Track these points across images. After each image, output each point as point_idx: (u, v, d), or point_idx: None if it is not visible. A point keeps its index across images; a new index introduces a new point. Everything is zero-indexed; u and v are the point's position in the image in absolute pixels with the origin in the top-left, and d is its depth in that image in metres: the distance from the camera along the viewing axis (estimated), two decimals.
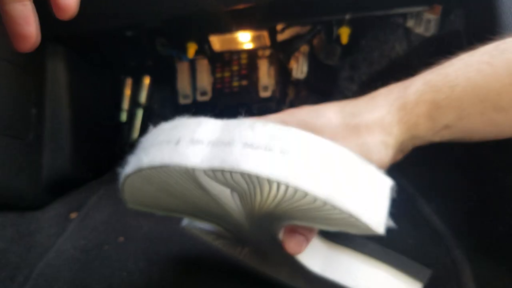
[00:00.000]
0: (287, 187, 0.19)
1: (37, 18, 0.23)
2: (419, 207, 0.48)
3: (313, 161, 0.19)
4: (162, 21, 0.55)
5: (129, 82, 0.71)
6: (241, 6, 0.49)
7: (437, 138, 0.26)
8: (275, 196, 0.21)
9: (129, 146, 0.72)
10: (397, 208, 0.51)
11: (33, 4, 0.23)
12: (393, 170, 0.61)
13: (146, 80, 0.72)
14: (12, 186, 0.45)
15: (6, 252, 0.44)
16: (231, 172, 0.20)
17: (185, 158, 0.21)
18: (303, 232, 0.26)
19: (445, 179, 0.48)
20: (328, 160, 0.20)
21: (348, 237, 0.28)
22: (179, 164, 0.21)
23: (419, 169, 0.51)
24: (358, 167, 0.21)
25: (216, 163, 0.20)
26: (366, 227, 0.20)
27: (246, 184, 0.21)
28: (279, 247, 0.26)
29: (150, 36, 0.62)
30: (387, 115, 0.26)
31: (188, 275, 0.39)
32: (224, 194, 0.24)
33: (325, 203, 0.19)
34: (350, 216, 0.20)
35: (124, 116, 0.71)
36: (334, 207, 0.20)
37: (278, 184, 0.20)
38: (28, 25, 0.23)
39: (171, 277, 0.39)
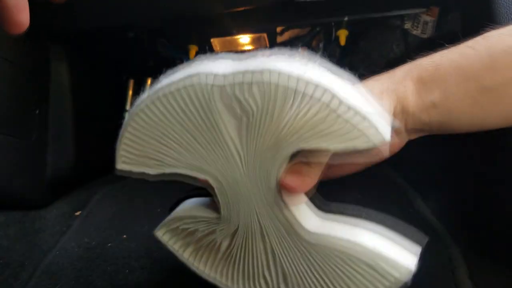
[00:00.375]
0: (314, 89, 0.21)
1: (27, 5, 0.24)
2: (415, 205, 0.48)
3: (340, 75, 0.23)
4: (163, 22, 0.56)
5: (131, 83, 0.71)
6: (241, 8, 0.50)
7: (426, 117, 0.27)
8: (295, 108, 0.22)
9: None
10: (394, 205, 0.52)
11: None
12: (389, 167, 0.62)
13: (148, 82, 0.73)
14: (16, 185, 0.45)
15: (10, 250, 0.44)
16: (252, 83, 0.22)
17: (209, 68, 0.24)
18: (305, 173, 0.25)
19: (441, 177, 0.48)
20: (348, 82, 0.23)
21: (343, 206, 0.30)
22: (205, 72, 0.23)
23: (415, 167, 0.52)
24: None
25: (241, 67, 0.23)
26: (375, 132, 0.22)
27: (262, 100, 0.23)
28: (274, 204, 0.27)
29: (151, 37, 0.63)
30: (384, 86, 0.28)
31: (190, 272, 0.40)
32: (231, 126, 0.25)
33: (348, 107, 0.22)
34: (364, 119, 0.22)
35: (127, 116, 0.72)
36: (350, 108, 0.22)
37: (303, 93, 0.22)
38: (21, 13, 0.23)
39: (172, 274, 0.40)
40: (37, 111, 0.47)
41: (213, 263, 0.32)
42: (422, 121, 0.28)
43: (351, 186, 0.53)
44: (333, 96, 0.21)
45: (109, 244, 0.44)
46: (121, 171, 0.33)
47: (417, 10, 0.59)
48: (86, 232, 0.46)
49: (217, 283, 0.31)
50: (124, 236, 0.45)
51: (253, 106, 0.23)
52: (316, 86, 0.21)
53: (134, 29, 0.60)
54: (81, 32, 0.51)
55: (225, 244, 0.31)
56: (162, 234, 0.33)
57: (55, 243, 0.46)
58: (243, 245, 0.30)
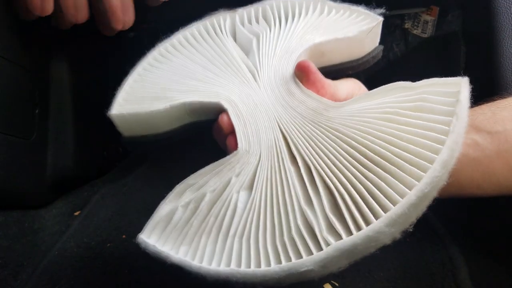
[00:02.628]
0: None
1: (132, 5, 0.29)
2: None
3: None
4: (164, 22, 0.56)
5: None
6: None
7: None
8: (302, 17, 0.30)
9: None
10: None
11: None
12: None
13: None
14: (16, 185, 0.45)
15: (9, 250, 0.44)
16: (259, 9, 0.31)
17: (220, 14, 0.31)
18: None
19: None
20: None
21: None
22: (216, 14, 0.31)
23: None
24: None
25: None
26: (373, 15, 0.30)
27: (274, 16, 0.30)
28: (296, 95, 0.28)
29: (151, 37, 0.63)
30: None
31: (189, 272, 0.40)
32: (242, 51, 0.31)
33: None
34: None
35: None
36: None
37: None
38: (126, 14, 0.30)
39: (173, 274, 0.40)
40: (37, 111, 0.47)
41: (224, 242, 0.26)
42: None
43: None
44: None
45: (108, 244, 0.44)
46: (115, 115, 0.34)
47: (417, 10, 0.59)
48: (86, 232, 0.46)
49: (231, 275, 0.24)
50: (124, 236, 0.45)
51: (263, 28, 0.29)
52: None
53: (134, 29, 0.60)
54: (81, 32, 0.51)
55: (243, 196, 0.26)
56: (148, 235, 0.30)
57: (54, 243, 0.45)
58: (270, 179, 0.26)
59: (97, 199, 0.53)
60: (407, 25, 0.62)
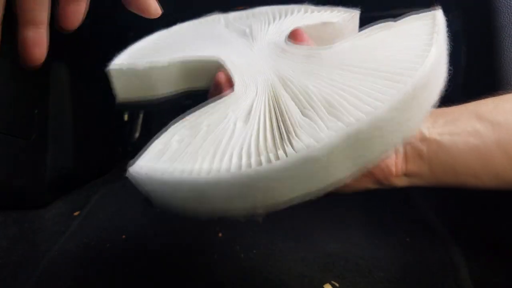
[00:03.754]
0: None
1: (47, 42, 0.25)
2: (416, 205, 0.48)
3: None
4: (163, 23, 0.56)
5: None
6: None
7: (424, 147, 0.28)
8: None
9: (131, 146, 0.73)
10: (394, 205, 0.52)
11: (47, 29, 0.26)
12: None
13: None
14: (16, 185, 0.45)
15: (9, 251, 0.44)
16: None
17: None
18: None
19: None
20: None
21: None
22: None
23: None
24: None
25: None
26: None
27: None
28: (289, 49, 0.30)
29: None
30: None
31: (190, 272, 0.40)
32: (242, 32, 0.35)
33: None
34: None
35: (126, 116, 0.72)
36: None
37: None
38: (38, 49, 0.26)
39: (171, 274, 0.40)
40: (36, 111, 0.47)
41: (222, 157, 0.24)
42: (418, 151, 0.28)
43: None
44: None
45: (108, 245, 0.44)
46: (113, 70, 0.35)
47: (417, 10, 0.59)
48: (85, 232, 0.46)
49: (233, 188, 0.22)
50: (124, 236, 0.45)
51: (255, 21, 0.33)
52: None
53: (134, 29, 0.60)
54: (81, 33, 0.51)
55: (241, 123, 0.26)
56: (139, 168, 0.26)
57: (54, 243, 0.45)
58: (267, 106, 0.26)
59: (96, 200, 0.53)
60: None
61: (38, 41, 0.25)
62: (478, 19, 0.47)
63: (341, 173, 0.23)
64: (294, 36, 0.31)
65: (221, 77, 0.30)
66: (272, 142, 0.24)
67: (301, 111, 0.25)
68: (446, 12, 0.61)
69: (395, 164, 0.28)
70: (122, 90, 0.35)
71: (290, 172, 0.21)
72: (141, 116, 0.74)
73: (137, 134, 0.73)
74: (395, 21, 0.29)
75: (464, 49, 0.47)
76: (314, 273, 0.38)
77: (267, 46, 0.32)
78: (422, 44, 0.25)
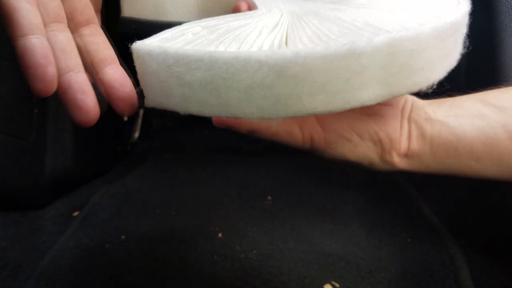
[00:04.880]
0: None
1: (92, 90, 0.21)
2: (417, 205, 0.48)
3: None
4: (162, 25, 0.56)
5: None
6: None
7: (428, 127, 0.28)
8: None
9: (131, 145, 0.73)
10: (395, 205, 0.52)
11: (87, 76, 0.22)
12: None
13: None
14: (15, 185, 0.45)
15: (8, 251, 0.44)
16: None
17: None
18: None
19: (443, 177, 0.48)
20: None
21: None
22: None
23: None
24: None
25: None
26: None
27: None
28: None
29: (151, 35, 0.62)
30: None
31: (189, 273, 0.40)
32: None
33: None
34: None
35: (126, 116, 0.72)
36: None
37: None
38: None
39: (171, 274, 0.39)
40: (36, 111, 0.47)
41: (243, 43, 0.22)
42: (422, 130, 0.27)
43: (353, 187, 0.53)
44: None
45: (107, 245, 0.44)
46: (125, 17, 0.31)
47: None
48: (85, 232, 0.46)
49: (257, 59, 0.18)
50: (123, 236, 0.45)
51: None
52: None
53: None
54: None
55: (266, 29, 0.24)
56: (152, 41, 0.22)
57: (53, 243, 0.45)
58: (293, 20, 0.25)
59: (96, 200, 0.53)
60: None
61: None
62: (478, 19, 0.46)
63: (369, 91, 0.20)
64: None
65: (242, 4, 0.29)
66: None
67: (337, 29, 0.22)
68: None
69: (400, 141, 0.28)
70: (128, 7, 0.32)
71: (328, 65, 0.18)
72: (141, 116, 0.74)
73: (137, 134, 0.73)
74: None
75: (465, 49, 0.47)
76: (314, 274, 0.38)
77: None
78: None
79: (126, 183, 0.57)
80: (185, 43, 0.21)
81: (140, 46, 0.20)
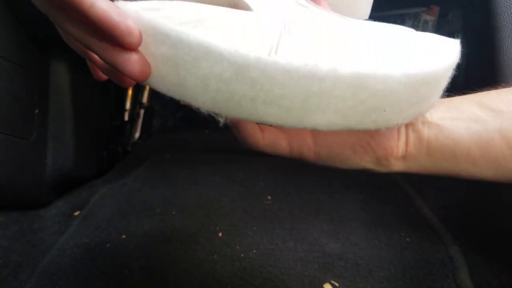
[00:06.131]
0: None
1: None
2: (416, 205, 0.48)
3: None
4: None
5: None
6: None
7: (425, 130, 0.28)
8: None
9: (131, 145, 0.73)
10: (395, 205, 0.52)
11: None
12: None
13: None
14: (16, 185, 0.45)
15: (9, 250, 0.44)
16: None
17: None
18: None
19: (442, 178, 0.48)
20: None
21: None
22: None
23: None
24: None
25: None
26: None
27: None
28: None
29: None
30: None
31: (189, 272, 0.40)
32: None
33: None
34: None
35: (126, 116, 0.72)
36: None
37: None
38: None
39: (171, 274, 0.39)
40: (37, 111, 0.47)
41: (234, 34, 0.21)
42: (419, 134, 0.28)
43: (353, 186, 0.53)
44: None
45: (108, 245, 0.44)
46: None
47: (417, 9, 0.59)
48: (85, 232, 0.46)
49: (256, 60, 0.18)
50: (123, 236, 0.45)
51: None
52: None
53: None
54: None
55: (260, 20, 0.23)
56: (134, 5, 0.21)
57: (54, 243, 0.45)
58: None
59: (96, 199, 0.53)
60: (408, 24, 0.62)
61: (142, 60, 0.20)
62: (478, 19, 0.47)
63: (324, 117, 0.20)
64: None
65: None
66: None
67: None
68: (445, 13, 0.62)
69: (396, 145, 0.28)
70: None
71: (287, 80, 0.18)
72: (141, 116, 0.74)
73: (137, 134, 0.73)
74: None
75: (464, 49, 0.47)
76: (314, 273, 0.38)
77: None
78: (442, 45, 0.24)
79: (126, 183, 0.57)
80: (164, 16, 0.21)
81: (120, 5, 0.20)
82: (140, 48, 0.19)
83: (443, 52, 0.24)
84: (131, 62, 0.19)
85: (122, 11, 0.19)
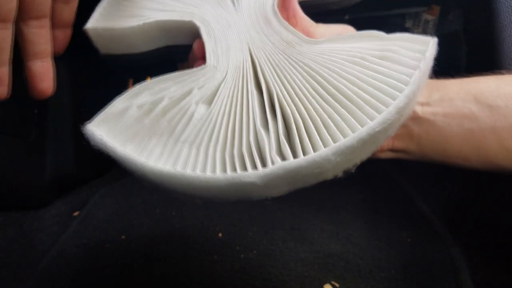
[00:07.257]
0: None
1: (54, 73, 0.27)
2: (417, 205, 0.48)
3: None
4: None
5: (130, 83, 0.71)
6: None
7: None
8: None
9: None
10: (395, 205, 0.52)
11: (52, 60, 0.28)
12: (391, 167, 0.62)
13: (148, 81, 0.73)
14: (15, 185, 0.45)
15: (8, 251, 0.44)
16: None
17: None
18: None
19: (443, 177, 0.48)
20: None
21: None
22: None
23: (416, 166, 0.52)
24: None
25: None
26: None
27: None
28: (271, 24, 0.28)
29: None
30: None
31: (189, 273, 0.40)
32: None
33: None
34: None
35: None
36: None
37: None
38: (45, 81, 0.28)
39: (172, 275, 0.39)
40: (36, 111, 0.47)
41: (174, 146, 0.26)
42: (408, 130, 0.27)
43: (353, 187, 0.53)
44: None
45: (107, 245, 0.44)
46: (89, 29, 0.34)
47: (418, 9, 0.59)
48: (85, 232, 0.46)
49: (175, 177, 0.24)
50: (123, 236, 0.45)
51: None
52: None
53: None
54: (81, 32, 0.51)
55: (202, 108, 0.26)
56: (97, 126, 0.28)
57: (53, 243, 0.45)
58: (231, 97, 0.26)
59: (96, 200, 0.53)
60: (408, 24, 0.62)
61: (45, 75, 0.28)
62: (478, 19, 0.46)
63: (274, 191, 0.24)
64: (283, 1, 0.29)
65: (196, 46, 0.30)
66: (222, 148, 0.24)
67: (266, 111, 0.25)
68: (446, 12, 0.61)
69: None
70: (103, 48, 0.35)
71: (229, 186, 0.22)
72: None
73: None
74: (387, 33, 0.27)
75: (465, 48, 0.47)
76: (314, 274, 0.38)
77: (252, 7, 0.29)
78: (400, 79, 0.24)
79: (126, 183, 0.57)
80: (127, 129, 0.27)
81: (88, 127, 0.28)
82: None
83: (394, 85, 0.23)
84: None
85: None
